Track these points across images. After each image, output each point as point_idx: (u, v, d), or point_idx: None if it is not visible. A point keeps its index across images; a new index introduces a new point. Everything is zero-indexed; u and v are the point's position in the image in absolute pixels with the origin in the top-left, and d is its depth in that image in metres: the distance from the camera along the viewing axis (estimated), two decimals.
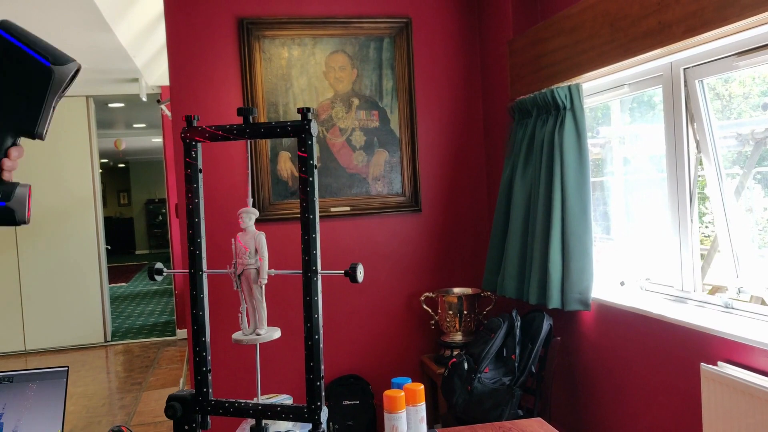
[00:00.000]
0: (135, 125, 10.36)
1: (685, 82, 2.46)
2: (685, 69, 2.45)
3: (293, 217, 3.54)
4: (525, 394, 2.91)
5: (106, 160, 16.64)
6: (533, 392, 2.92)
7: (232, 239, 1.17)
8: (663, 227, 2.78)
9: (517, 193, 3.18)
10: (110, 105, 8.03)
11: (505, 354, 2.91)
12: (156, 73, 6.45)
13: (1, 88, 0.93)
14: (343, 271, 1.12)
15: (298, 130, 1.12)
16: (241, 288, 1.19)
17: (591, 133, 3.14)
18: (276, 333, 1.22)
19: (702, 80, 2.41)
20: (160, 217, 17.82)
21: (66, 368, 2.12)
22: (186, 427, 1.21)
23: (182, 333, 7.14)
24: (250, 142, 3.45)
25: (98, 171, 7.15)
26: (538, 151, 3.04)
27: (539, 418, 1.88)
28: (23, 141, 0.99)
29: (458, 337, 3.51)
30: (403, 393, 1.84)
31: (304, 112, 1.12)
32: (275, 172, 3.53)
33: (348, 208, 3.63)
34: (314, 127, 1.11)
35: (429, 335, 3.76)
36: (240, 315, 1.20)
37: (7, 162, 0.94)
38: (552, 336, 2.90)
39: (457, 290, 3.64)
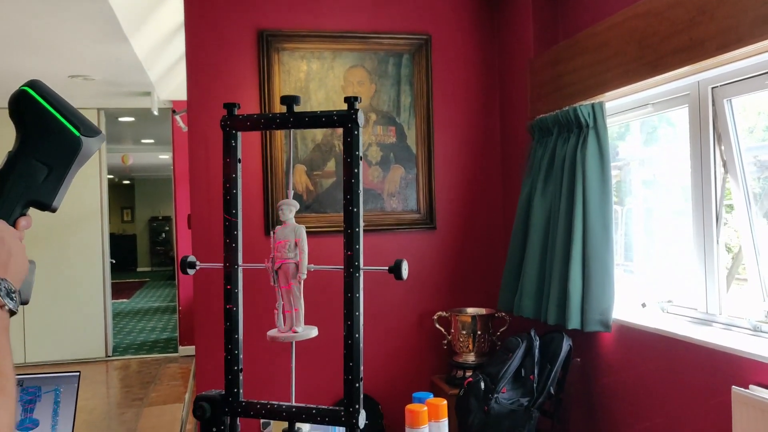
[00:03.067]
0: (143, 140, 10.36)
1: (713, 101, 2.43)
2: (713, 88, 2.42)
3: (308, 231, 3.47)
4: (542, 417, 2.84)
5: (111, 176, 16.64)
6: (551, 416, 2.85)
7: (272, 231, 1.13)
8: (685, 249, 2.73)
9: (536, 211, 3.13)
10: (120, 119, 8.02)
11: (523, 374, 2.85)
12: (169, 87, 6.44)
13: (23, 152, 0.83)
14: (387, 268, 1.07)
15: (345, 119, 1.08)
16: (278, 283, 1.14)
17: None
18: (313, 331, 1.17)
19: (731, 99, 2.38)
20: (163, 235, 17.78)
21: (77, 373, 2.06)
22: (214, 429, 1.15)
23: (184, 350, 7.05)
24: (269, 148, 3.42)
25: (106, 186, 7.11)
26: (559, 169, 3.00)
27: None
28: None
29: (471, 357, 3.44)
30: (425, 408, 1.78)
31: (351, 101, 1.08)
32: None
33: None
34: (361, 117, 1.08)
35: (441, 355, 3.69)
36: (276, 312, 1.15)
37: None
38: (571, 357, 2.83)
39: (470, 310, 3.58)
